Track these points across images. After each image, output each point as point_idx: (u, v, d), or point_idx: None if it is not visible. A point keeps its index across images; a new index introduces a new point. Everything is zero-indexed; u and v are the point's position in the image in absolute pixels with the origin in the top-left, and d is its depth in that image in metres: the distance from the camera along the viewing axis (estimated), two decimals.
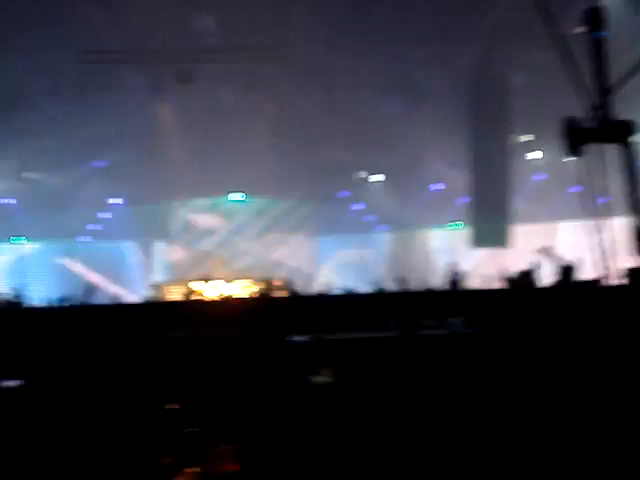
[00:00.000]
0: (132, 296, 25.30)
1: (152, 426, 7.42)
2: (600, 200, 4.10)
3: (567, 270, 10.05)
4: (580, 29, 4.13)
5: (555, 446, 5.45)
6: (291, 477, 6.46)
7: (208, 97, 22.48)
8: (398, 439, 6.07)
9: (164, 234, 28.10)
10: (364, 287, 21.63)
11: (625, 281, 3.91)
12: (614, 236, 4.01)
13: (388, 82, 22.83)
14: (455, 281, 18.79)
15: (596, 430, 5.50)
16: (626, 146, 4.09)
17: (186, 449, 6.94)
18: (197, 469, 6.95)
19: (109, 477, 6.70)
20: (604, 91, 4.11)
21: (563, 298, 3.79)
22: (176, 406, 7.94)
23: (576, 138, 4.05)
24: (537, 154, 26.31)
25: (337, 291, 19.96)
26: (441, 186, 27.83)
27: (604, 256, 3.94)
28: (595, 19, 4.14)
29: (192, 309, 9.09)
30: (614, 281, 3.91)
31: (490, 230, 25.71)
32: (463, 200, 27.00)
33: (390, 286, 19.54)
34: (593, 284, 4.36)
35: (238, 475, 6.85)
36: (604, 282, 4.07)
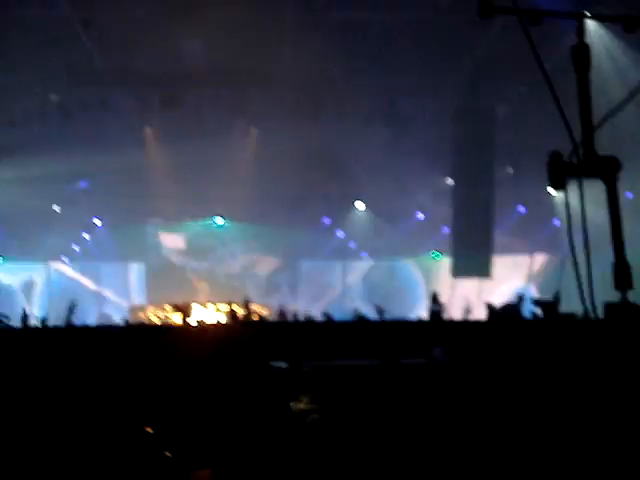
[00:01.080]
0: (113, 317, 25.18)
1: (129, 450, 7.36)
2: (581, 235, 4.12)
3: (549, 305, 10.10)
4: (565, 64, 4.17)
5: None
6: None
7: (193, 121, 22.49)
8: (375, 467, 6.05)
9: (143, 256, 27.98)
10: (344, 314, 21.67)
11: (605, 316, 3.92)
12: (592, 271, 4.03)
13: (373, 111, 22.96)
14: (436, 311, 18.82)
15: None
16: (610, 182, 4.11)
17: (163, 474, 6.87)
18: None
19: None
20: (589, 127, 4.13)
21: (545, 331, 3.80)
22: (151, 430, 7.89)
23: (560, 172, 4.07)
24: (519, 187, 26.36)
25: (318, 317, 19.97)
26: (422, 216, 28.02)
27: (584, 291, 3.96)
28: (580, 56, 4.17)
29: (170, 333, 9.03)
30: (594, 316, 3.92)
31: (471, 260, 25.83)
32: (445, 230, 27.20)
33: (370, 314, 19.59)
34: (573, 319, 4.38)
35: None
36: (584, 317, 4.08)
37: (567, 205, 4.56)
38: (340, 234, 28.43)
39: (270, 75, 20.60)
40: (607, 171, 4.46)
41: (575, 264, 4.61)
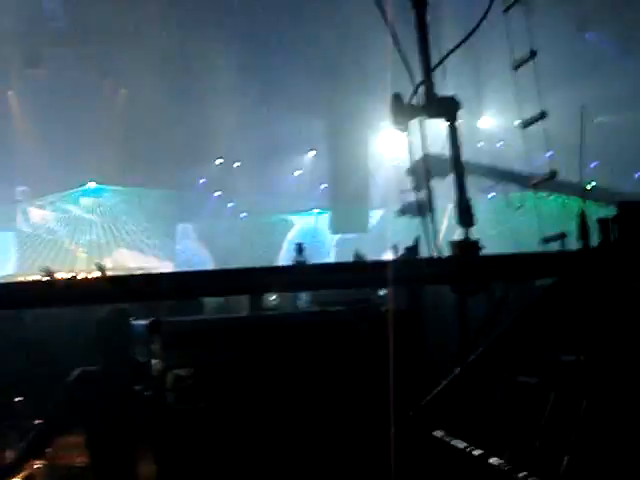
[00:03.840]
0: None
1: None
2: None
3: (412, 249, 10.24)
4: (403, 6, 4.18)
5: None
6: (134, 462, 6.37)
7: (57, 82, 21.78)
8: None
9: (11, 226, 27.05)
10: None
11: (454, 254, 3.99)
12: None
13: (241, 66, 22.66)
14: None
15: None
16: (450, 121, 4.17)
17: (30, 442, 6.70)
18: (42, 462, 6.76)
19: None
20: (428, 68, 4.16)
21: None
22: (19, 399, 7.73)
23: (402, 113, 4.10)
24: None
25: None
26: (300, 172, 28.04)
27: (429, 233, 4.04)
28: None
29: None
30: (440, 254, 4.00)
31: (349, 215, 26.11)
32: (323, 186, 27.35)
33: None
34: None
35: (86, 467, 6.70)
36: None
37: (410, 145, 4.62)
38: (217, 194, 28.15)
39: (135, 31, 20.14)
40: (447, 111, 4.54)
41: (420, 205, 4.71)
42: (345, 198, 25.52)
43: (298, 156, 27.51)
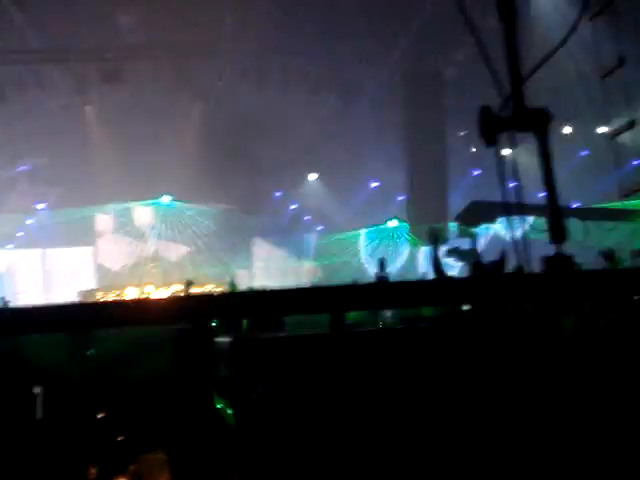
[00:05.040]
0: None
1: (80, 434, 7.22)
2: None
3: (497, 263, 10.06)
4: (494, 18, 4.05)
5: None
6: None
7: (135, 97, 22.06)
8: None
9: (92, 240, 27.45)
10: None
11: (543, 269, 3.84)
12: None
13: (321, 79, 22.66)
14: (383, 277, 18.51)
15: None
16: (541, 134, 4.01)
17: (114, 457, 6.74)
18: (125, 478, 6.78)
19: None
20: (518, 80, 4.01)
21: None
22: (104, 413, 7.75)
23: (490, 126, 3.95)
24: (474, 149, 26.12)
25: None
26: (377, 184, 27.88)
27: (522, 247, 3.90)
28: (506, 7, 4.04)
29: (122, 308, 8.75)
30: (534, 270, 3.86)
31: (477, 218, 25.71)
32: (401, 197, 27.10)
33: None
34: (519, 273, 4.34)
35: None
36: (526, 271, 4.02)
37: (499, 157, 4.47)
38: (293, 206, 28.17)
39: (212, 49, 20.30)
40: (537, 123, 4.38)
41: (510, 220, 4.56)
42: (424, 210, 25.25)
43: (375, 169, 27.33)
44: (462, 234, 19.93)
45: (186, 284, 18.73)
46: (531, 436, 5.40)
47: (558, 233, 4.26)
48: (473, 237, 18.13)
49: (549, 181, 4.23)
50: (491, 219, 21.14)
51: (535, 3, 18.01)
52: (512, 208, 4.23)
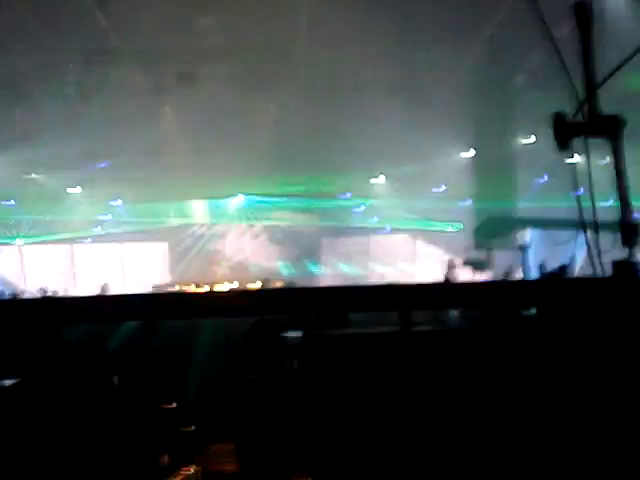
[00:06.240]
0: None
1: (148, 425, 7.42)
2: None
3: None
4: (568, 24, 4.13)
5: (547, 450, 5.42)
6: (287, 474, 6.46)
7: (209, 98, 22.42)
8: (386, 439, 6.03)
9: (165, 236, 27.99)
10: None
11: (613, 274, 3.90)
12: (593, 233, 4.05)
13: (391, 84, 22.75)
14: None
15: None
16: (615, 140, 4.08)
17: (183, 448, 6.93)
18: (195, 468, 6.96)
19: (104, 476, 6.69)
20: (592, 86, 4.09)
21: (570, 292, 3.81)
22: (172, 405, 7.95)
23: (564, 132, 4.04)
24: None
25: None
26: (443, 188, 27.86)
27: (593, 252, 3.96)
28: (582, 13, 4.11)
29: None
30: (603, 275, 3.92)
31: (493, 232, 25.74)
32: (465, 202, 27.07)
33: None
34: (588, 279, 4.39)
35: (237, 475, 6.84)
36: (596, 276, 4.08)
37: (572, 164, 4.56)
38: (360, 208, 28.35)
39: (287, 51, 20.51)
40: (611, 129, 4.45)
41: (583, 222, 4.62)
42: (490, 214, 25.19)
43: (442, 172, 27.31)
44: (478, 246, 20.37)
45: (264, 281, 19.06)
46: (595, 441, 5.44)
47: (630, 236, 4.33)
48: (489, 249, 18.99)
49: (622, 187, 4.31)
50: (505, 235, 21.95)
51: (611, 10, 17.84)
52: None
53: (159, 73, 21.93)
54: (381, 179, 27.93)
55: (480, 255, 17.38)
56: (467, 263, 14.42)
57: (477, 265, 14.12)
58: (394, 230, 28.66)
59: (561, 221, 19.99)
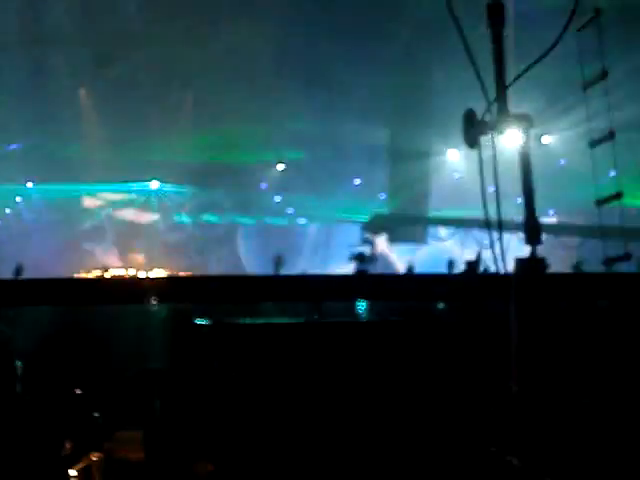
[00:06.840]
0: None
1: (53, 411, 7.31)
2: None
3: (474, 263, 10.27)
4: (482, 24, 4.23)
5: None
6: (191, 462, 6.45)
7: (127, 82, 22.12)
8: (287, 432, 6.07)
9: (78, 220, 27.47)
10: None
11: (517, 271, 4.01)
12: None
13: (307, 75, 22.78)
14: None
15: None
16: (522, 138, 4.19)
17: (89, 434, 6.84)
18: (99, 455, 6.87)
19: (9, 461, 6.58)
20: (503, 85, 4.19)
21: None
22: (80, 391, 7.84)
23: (473, 130, 4.13)
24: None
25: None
26: (359, 181, 28.01)
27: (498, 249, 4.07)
28: (495, 14, 4.22)
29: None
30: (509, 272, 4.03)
31: (408, 226, 26.08)
32: (382, 195, 27.27)
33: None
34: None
35: (141, 463, 6.79)
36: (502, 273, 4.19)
37: (480, 162, 4.65)
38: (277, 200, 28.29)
39: (206, 37, 20.38)
40: (520, 128, 4.56)
41: (487, 221, 4.72)
42: (405, 208, 25.51)
43: (358, 165, 27.43)
44: (364, 242, 21.35)
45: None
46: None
47: (533, 235, 4.45)
48: (372, 245, 20.50)
49: (527, 184, 4.42)
50: (391, 230, 23.21)
51: (525, 12, 18.24)
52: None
53: (76, 55, 21.51)
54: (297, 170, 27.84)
55: (365, 250, 18.19)
56: (353, 258, 15.27)
57: (363, 259, 15.01)
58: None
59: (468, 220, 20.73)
